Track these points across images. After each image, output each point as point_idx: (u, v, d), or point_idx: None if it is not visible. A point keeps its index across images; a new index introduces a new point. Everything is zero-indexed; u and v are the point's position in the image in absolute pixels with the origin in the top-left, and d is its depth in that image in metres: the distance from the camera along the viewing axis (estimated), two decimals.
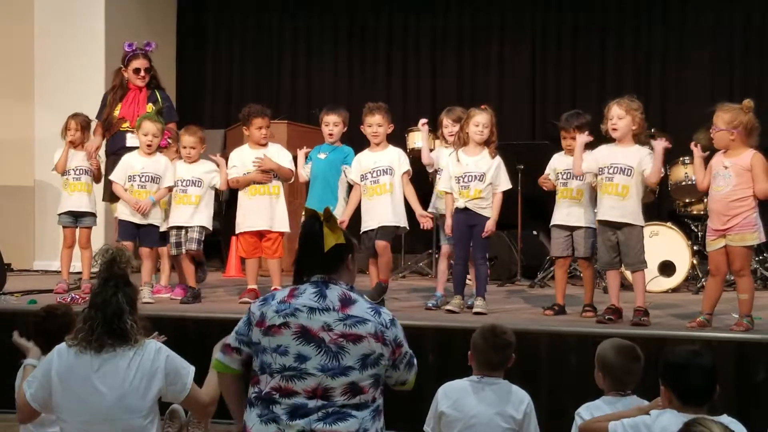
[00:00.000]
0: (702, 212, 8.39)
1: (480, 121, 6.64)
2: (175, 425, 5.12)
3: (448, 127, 7.24)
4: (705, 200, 6.84)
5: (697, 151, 6.07)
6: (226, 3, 11.61)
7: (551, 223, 6.72)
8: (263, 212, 7.10)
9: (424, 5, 11.13)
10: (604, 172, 6.26)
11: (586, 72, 10.70)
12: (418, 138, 9.33)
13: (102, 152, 7.87)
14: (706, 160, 6.04)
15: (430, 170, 7.27)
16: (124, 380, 3.63)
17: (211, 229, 7.33)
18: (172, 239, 7.19)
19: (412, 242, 9.54)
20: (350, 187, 7.05)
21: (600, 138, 6.47)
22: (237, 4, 11.54)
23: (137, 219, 7.09)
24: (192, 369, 3.79)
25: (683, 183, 8.43)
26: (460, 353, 4.72)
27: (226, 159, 7.32)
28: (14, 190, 9.87)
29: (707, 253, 6.05)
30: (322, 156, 7.12)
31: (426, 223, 6.80)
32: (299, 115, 10.42)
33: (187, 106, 10.48)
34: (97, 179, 7.62)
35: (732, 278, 6.32)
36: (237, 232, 7.21)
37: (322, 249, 3.45)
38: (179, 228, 7.17)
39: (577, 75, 10.74)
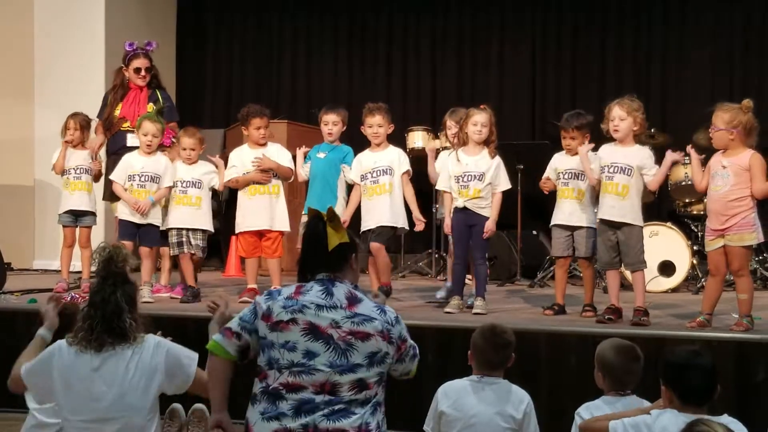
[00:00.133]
0: (702, 212, 8.39)
1: (478, 120, 6.63)
2: (175, 424, 5.13)
3: (452, 128, 7.24)
4: (705, 200, 6.84)
5: (694, 153, 6.07)
6: (226, 3, 11.61)
7: (552, 223, 6.71)
8: (263, 212, 7.11)
9: (424, 5, 11.13)
10: (605, 171, 6.26)
11: (586, 72, 10.70)
12: (418, 138, 9.37)
13: (102, 152, 7.88)
14: (704, 162, 6.04)
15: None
16: (124, 378, 3.64)
17: (212, 230, 7.39)
18: (173, 239, 7.20)
19: (412, 242, 9.55)
20: (350, 186, 7.06)
21: (601, 137, 6.48)
22: (237, 4, 11.54)
23: (137, 218, 7.11)
24: (195, 356, 3.80)
25: (683, 183, 8.43)
26: (460, 353, 4.72)
27: (226, 159, 7.34)
28: (14, 189, 9.88)
29: (707, 253, 6.05)
30: (321, 155, 7.12)
31: (419, 226, 6.85)
32: (299, 114, 10.41)
33: (186, 105, 10.48)
34: (96, 178, 7.63)
35: (732, 278, 6.31)
36: (237, 231, 7.21)
37: (327, 248, 3.50)
38: (180, 229, 7.19)
39: (577, 75, 10.74)
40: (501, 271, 9.03)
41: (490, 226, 6.57)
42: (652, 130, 8.69)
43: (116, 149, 7.64)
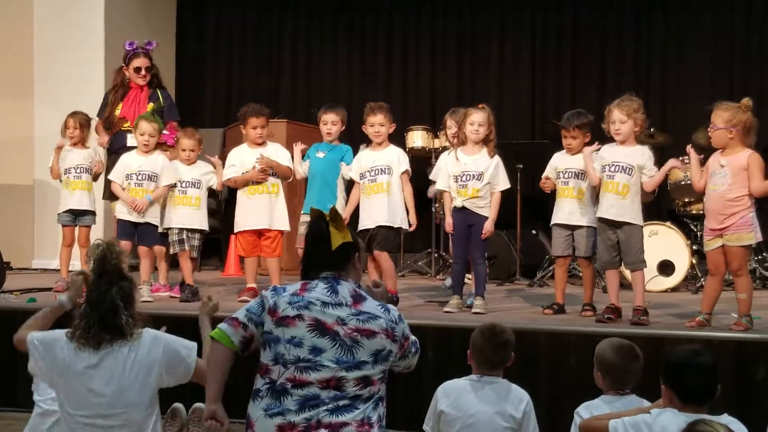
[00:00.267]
0: (701, 212, 8.37)
1: (475, 120, 6.61)
2: (176, 424, 5.14)
3: (452, 128, 7.22)
4: (704, 200, 6.83)
5: (693, 153, 6.08)
6: (226, 2, 11.60)
7: (552, 222, 6.70)
8: (262, 211, 7.11)
9: (424, 5, 11.13)
10: (606, 170, 6.26)
11: (586, 72, 10.69)
12: (417, 137, 9.37)
13: (102, 151, 7.89)
14: (704, 162, 6.04)
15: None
16: (123, 375, 3.65)
17: (208, 230, 7.44)
18: (174, 237, 7.22)
19: (412, 241, 9.55)
20: (350, 185, 7.05)
21: (602, 137, 6.48)
22: (237, 4, 11.54)
23: (134, 217, 7.12)
24: (194, 347, 3.80)
25: (682, 183, 8.42)
26: (459, 352, 4.72)
27: (224, 159, 7.35)
28: (13, 188, 9.87)
29: (705, 252, 6.05)
30: (320, 155, 7.12)
31: (410, 227, 6.85)
32: (299, 114, 10.41)
33: (186, 105, 10.47)
34: (95, 177, 7.64)
35: (731, 278, 6.31)
36: (236, 230, 7.21)
37: (330, 247, 3.53)
38: (180, 228, 7.22)
39: (577, 75, 10.74)
40: (500, 270, 9.02)
41: (488, 227, 6.56)
42: (652, 130, 8.69)
43: (117, 149, 7.65)
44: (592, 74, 10.67)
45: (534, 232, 9.32)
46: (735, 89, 9.83)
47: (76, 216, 7.56)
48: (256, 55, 11.52)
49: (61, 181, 7.63)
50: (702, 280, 7.86)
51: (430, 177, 7.25)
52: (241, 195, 7.19)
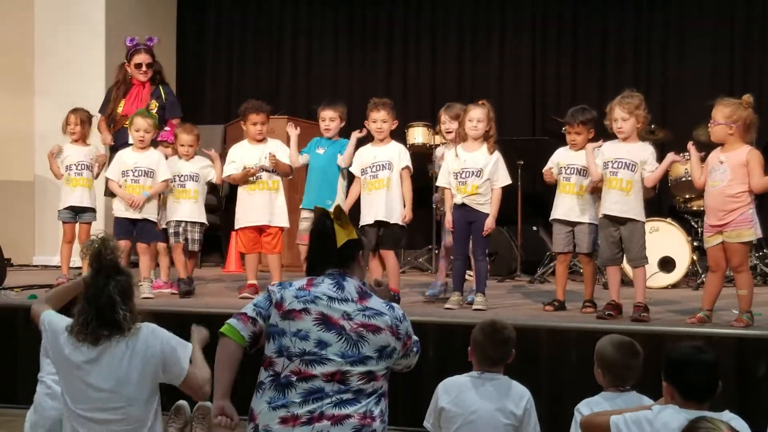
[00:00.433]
0: (702, 208, 8.35)
1: (474, 116, 6.60)
2: (180, 421, 5.15)
3: (446, 123, 7.21)
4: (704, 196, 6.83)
5: (693, 150, 6.07)
6: None
7: (551, 217, 6.69)
8: (263, 207, 7.11)
9: (424, 1, 11.11)
10: (609, 167, 6.25)
11: (587, 68, 10.67)
12: (418, 133, 9.36)
13: (101, 147, 7.89)
14: (704, 159, 6.03)
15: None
16: (120, 370, 3.65)
17: (207, 223, 7.46)
18: (171, 230, 7.24)
19: (412, 238, 9.54)
20: (350, 180, 7.05)
21: (604, 134, 6.47)
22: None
23: (130, 213, 7.11)
24: (189, 347, 3.78)
25: (683, 179, 8.41)
26: (460, 349, 4.72)
27: (224, 155, 7.35)
28: (14, 185, 9.86)
29: (706, 249, 6.04)
30: (320, 151, 7.11)
31: (404, 220, 6.77)
32: (299, 110, 10.40)
33: (187, 101, 10.43)
34: (96, 174, 7.65)
35: (732, 274, 6.31)
36: (236, 227, 7.21)
37: (335, 245, 3.57)
38: (179, 221, 7.24)
39: (577, 71, 10.72)
40: (501, 267, 9.02)
41: (489, 223, 6.55)
42: (652, 126, 8.68)
43: (119, 145, 7.64)
44: (593, 70, 10.65)
45: (535, 228, 9.31)
46: (735, 89, 9.80)
47: (77, 213, 7.57)
48: (256, 50, 11.51)
49: (63, 173, 7.61)
50: (703, 276, 7.86)
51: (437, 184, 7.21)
52: (242, 191, 7.19)
